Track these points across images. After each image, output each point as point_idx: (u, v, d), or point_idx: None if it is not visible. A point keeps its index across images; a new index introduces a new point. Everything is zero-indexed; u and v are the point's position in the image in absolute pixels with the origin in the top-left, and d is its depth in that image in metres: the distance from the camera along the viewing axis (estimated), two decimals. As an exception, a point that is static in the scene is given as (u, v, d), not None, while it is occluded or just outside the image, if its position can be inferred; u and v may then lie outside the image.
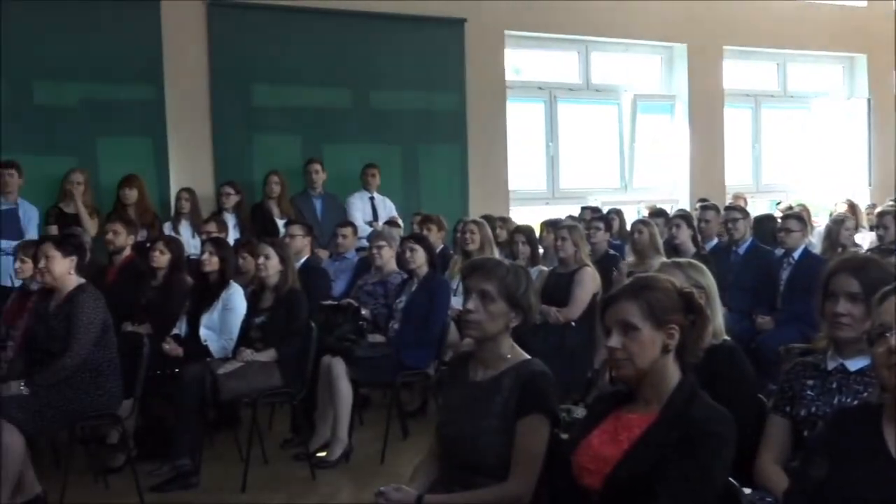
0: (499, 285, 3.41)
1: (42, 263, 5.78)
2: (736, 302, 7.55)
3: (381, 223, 9.86)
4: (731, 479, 2.97)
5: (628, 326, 2.98)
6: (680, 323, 3.00)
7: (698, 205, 10.20)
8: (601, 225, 8.90)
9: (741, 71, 14.23)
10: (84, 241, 6.51)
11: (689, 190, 13.27)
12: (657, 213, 10.41)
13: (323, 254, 9.24)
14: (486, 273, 3.43)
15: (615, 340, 2.99)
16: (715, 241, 8.82)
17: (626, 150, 13.34)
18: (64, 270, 5.78)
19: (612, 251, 8.93)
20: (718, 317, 3.93)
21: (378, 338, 7.11)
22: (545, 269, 7.94)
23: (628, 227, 9.38)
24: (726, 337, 3.96)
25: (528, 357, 3.48)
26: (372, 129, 11.11)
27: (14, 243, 7.87)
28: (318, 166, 10.17)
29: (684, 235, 8.74)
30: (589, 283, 7.43)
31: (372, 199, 10.45)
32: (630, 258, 8.50)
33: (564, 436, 3.37)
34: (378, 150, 10.99)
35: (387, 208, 10.47)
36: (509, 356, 3.46)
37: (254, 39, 10.48)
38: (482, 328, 3.41)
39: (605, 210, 10.79)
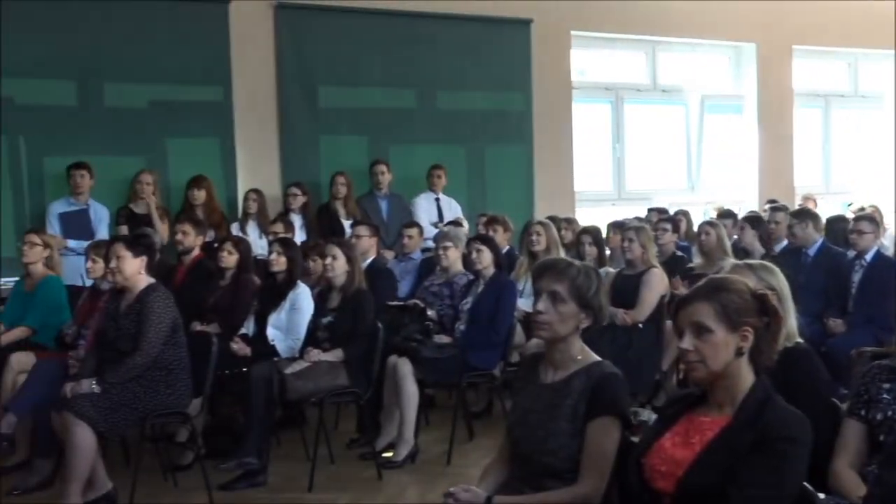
0: (569, 286, 3.38)
1: (113, 263, 5.85)
2: (806, 305, 7.40)
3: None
4: (805, 484, 2.92)
5: (701, 328, 2.94)
6: (754, 325, 2.95)
7: (767, 206, 10.06)
8: (668, 226, 8.83)
9: (811, 70, 14.03)
10: (154, 241, 6.56)
11: (758, 191, 13.11)
12: (725, 214, 10.31)
13: (388, 254, 9.26)
14: (557, 274, 3.41)
15: (688, 342, 2.95)
16: (785, 242, 8.69)
17: (693, 150, 13.22)
18: (134, 270, 5.85)
19: (679, 252, 8.85)
20: (791, 319, 3.87)
21: (444, 338, 7.09)
22: (612, 270, 7.88)
23: (695, 229, 9.31)
24: (799, 340, 3.89)
25: (599, 359, 3.45)
26: (438, 130, 11.11)
27: (85, 243, 7.98)
28: (383, 167, 10.19)
29: (749, 237, 8.63)
30: (657, 284, 7.37)
31: (437, 199, 10.43)
32: (697, 260, 8.43)
33: (634, 438, 3.33)
34: (444, 150, 10.98)
35: (452, 209, 10.45)
36: (580, 357, 3.43)
37: (321, 41, 10.53)
38: (552, 329, 3.39)
39: (671, 211, 10.70)
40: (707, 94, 13.19)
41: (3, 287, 8.39)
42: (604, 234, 8.99)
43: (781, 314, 3.06)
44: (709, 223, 8.45)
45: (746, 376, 2.97)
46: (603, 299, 3.45)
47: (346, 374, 6.42)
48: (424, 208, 10.31)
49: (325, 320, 6.67)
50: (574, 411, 3.33)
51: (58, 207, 8.78)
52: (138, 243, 5.97)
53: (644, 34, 12.55)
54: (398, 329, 6.90)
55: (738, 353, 2.94)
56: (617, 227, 8.93)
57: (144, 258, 5.89)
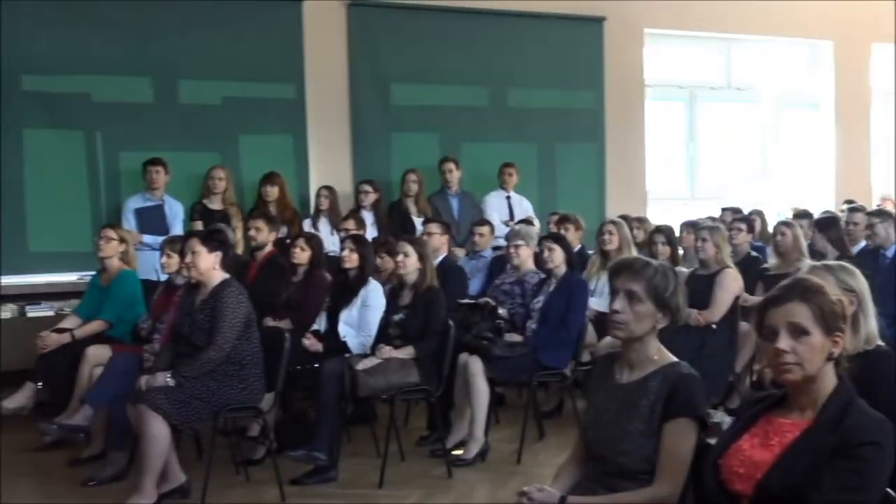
0: (646, 286, 3.34)
1: (188, 258, 5.91)
2: (885, 306, 7.27)
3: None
4: (889, 489, 2.86)
5: (799, 330, 2.87)
6: (843, 331, 2.90)
7: (845, 206, 9.91)
8: (742, 226, 8.74)
9: (890, 67, 13.74)
10: (228, 236, 6.61)
11: (835, 191, 12.93)
12: (801, 214, 10.16)
13: (459, 252, 9.25)
14: (634, 273, 3.37)
15: (785, 343, 2.88)
16: (863, 244, 8.54)
17: (767, 150, 13.05)
18: (209, 265, 5.90)
19: (753, 253, 8.74)
20: (872, 321, 3.78)
21: (515, 337, 7.06)
22: (685, 270, 7.80)
23: (770, 229, 9.19)
24: (880, 342, 3.81)
25: (676, 359, 3.40)
26: (509, 128, 11.11)
27: (160, 238, 8.08)
28: (451, 165, 10.18)
29: (819, 241, 8.49)
30: (731, 284, 7.28)
31: (509, 198, 10.40)
32: (772, 260, 8.31)
33: (710, 440, 3.29)
34: (515, 148, 10.97)
35: (523, 207, 10.41)
36: (656, 358, 3.39)
37: (393, 38, 10.59)
38: (629, 329, 3.35)
39: (746, 211, 10.56)
40: (782, 92, 13.00)
41: (80, 281, 8.52)
42: (676, 234, 8.89)
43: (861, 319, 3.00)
44: (785, 223, 8.33)
45: (829, 379, 2.91)
46: (681, 299, 3.40)
47: (417, 371, 6.43)
48: (495, 206, 10.28)
49: (397, 317, 6.68)
50: (650, 412, 3.29)
51: (134, 203, 8.90)
52: (213, 239, 6.02)
53: (718, 32, 12.41)
54: (469, 327, 6.89)
55: (829, 357, 2.89)
56: (690, 226, 8.82)
57: (219, 253, 5.94)
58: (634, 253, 7.89)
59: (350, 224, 8.74)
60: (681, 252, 8.66)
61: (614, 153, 11.65)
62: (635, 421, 3.30)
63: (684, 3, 11.82)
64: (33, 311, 8.32)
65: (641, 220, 9.81)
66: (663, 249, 8.13)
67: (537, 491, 3.28)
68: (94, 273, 7.73)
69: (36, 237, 9.07)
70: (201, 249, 5.88)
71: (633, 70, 11.87)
